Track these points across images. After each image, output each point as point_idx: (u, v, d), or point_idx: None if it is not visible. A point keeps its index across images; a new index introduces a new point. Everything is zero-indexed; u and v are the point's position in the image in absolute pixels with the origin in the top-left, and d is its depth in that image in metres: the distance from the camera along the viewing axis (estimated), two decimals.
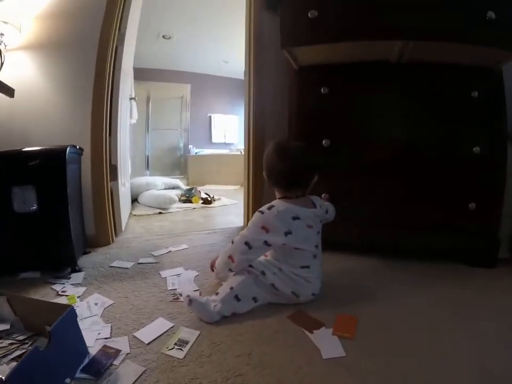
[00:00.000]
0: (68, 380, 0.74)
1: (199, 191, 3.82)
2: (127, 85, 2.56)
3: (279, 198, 1.21)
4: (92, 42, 1.82)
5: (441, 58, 1.50)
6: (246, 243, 1.12)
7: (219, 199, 3.76)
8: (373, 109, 1.61)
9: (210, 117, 6.76)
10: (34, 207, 1.37)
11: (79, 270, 1.47)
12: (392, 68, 1.57)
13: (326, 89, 1.61)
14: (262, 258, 1.19)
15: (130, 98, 3.16)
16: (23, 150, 1.42)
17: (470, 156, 1.49)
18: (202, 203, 3.52)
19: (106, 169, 1.90)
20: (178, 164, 6.48)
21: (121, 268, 1.53)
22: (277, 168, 1.18)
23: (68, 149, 1.44)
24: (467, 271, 1.50)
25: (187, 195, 3.65)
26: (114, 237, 1.99)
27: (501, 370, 0.82)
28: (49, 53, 1.80)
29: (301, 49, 1.53)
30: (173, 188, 3.98)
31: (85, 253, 1.71)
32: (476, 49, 1.37)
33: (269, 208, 1.14)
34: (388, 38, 1.39)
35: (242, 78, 2.52)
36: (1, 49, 1.65)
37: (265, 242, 1.12)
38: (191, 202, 3.51)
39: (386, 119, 1.60)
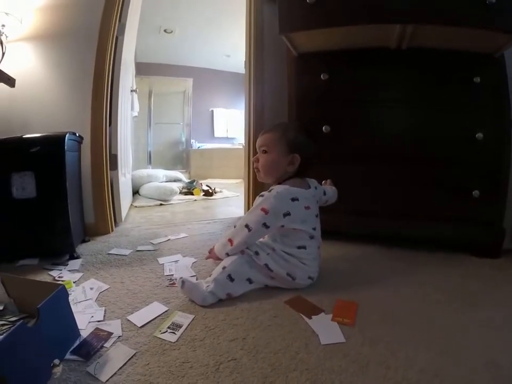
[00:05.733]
0: (56, 361, 0.72)
1: (201, 184, 3.81)
2: (128, 76, 2.55)
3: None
4: (92, 32, 1.82)
5: (441, 43, 1.46)
6: (246, 226, 1.12)
7: (220, 191, 3.74)
8: (373, 95, 1.58)
9: (212, 111, 6.72)
10: (33, 194, 1.36)
11: (77, 257, 1.46)
12: (392, 54, 1.55)
13: (326, 75, 1.58)
14: None
15: (132, 91, 3.14)
16: (23, 136, 1.42)
17: (472, 142, 1.46)
18: (203, 195, 3.51)
19: (106, 158, 1.90)
20: (180, 158, 6.44)
21: (119, 255, 1.52)
22: None
23: (66, 135, 1.43)
24: (470, 261, 1.46)
25: (188, 187, 3.64)
26: (113, 226, 1.98)
27: (507, 362, 0.77)
28: (50, 43, 1.80)
29: (299, 34, 1.51)
30: (175, 180, 3.98)
31: (84, 241, 1.70)
32: (476, 33, 1.33)
33: (269, 191, 1.15)
34: (385, 22, 1.36)
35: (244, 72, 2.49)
36: (3, 40, 1.65)
37: (264, 224, 1.10)
38: (193, 195, 3.50)
39: (386, 105, 1.57)
